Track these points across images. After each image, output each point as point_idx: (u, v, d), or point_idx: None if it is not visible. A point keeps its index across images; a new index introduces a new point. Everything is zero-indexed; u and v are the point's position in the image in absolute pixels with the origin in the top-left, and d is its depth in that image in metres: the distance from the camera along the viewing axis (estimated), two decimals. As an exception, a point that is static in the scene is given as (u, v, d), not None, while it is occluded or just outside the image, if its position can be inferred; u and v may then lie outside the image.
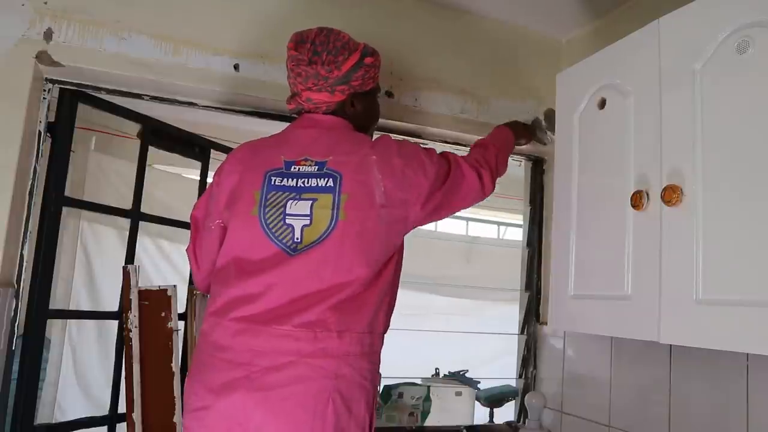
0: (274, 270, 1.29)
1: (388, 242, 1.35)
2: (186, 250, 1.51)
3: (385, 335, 1.39)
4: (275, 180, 1.35)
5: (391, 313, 1.40)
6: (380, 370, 1.37)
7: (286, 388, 1.21)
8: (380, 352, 1.36)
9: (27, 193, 1.56)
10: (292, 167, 1.36)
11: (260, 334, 1.25)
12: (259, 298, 1.28)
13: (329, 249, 1.29)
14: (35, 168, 1.57)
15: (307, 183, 1.33)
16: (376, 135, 1.66)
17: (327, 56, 1.40)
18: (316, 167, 1.35)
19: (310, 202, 1.32)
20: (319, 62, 1.39)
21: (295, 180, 1.34)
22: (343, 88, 1.42)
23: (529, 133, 1.94)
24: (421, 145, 1.47)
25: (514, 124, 1.85)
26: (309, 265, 1.28)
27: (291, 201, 1.32)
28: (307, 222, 1.30)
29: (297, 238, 1.30)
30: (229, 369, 1.25)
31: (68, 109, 1.63)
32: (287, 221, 1.31)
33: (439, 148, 2.02)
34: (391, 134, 1.89)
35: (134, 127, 1.83)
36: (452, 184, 1.44)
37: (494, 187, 1.55)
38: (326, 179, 1.33)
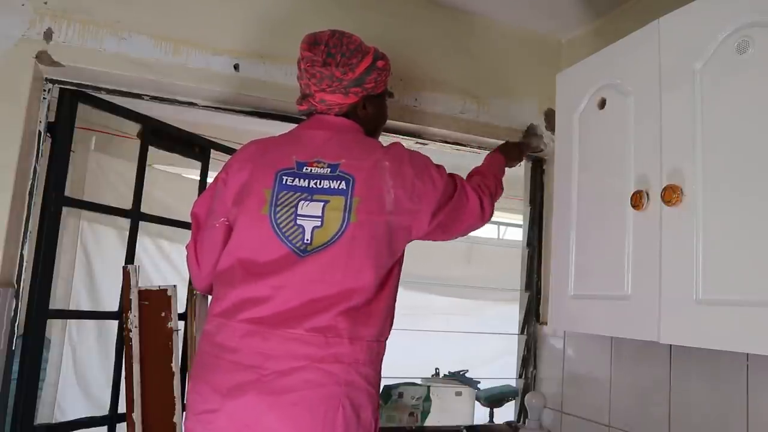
0: (283, 272, 1.28)
1: (393, 250, 1.35)
2: (186, 247, 1.50)
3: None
4: (287, 180, 1.35)
5: (393, 320, 1.40)
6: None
7: (297, 392, 1.21)
8: (383, 359, 1.37)
9: (27, 193, 1.56)
10: (305, 168, 1.35)
11: (270, 338, 1.25)
12: (268, 300, 1.27)
13: (339, 252, 1.28)
14: (35, 168, 1.57)
15: (320, 184, 1.33)
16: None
17: (341, 58, 1.40)
18: (329, 169, 1.34)
19: (322, 203, 1.31)
20: (334, 64, 1.39)
21: (307, 181, 1.34)
22: (357, 90, 1.42)
23: (520, 151, 1.89)
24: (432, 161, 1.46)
25: (505, 147, 1.81)
26: (319, 268, 1.28)
27: (303, 201, 1.32)
28: (318, 223, 1.30)
29: (307, 240, 1.30)
30: (237, 371, 1.24)
31: (68, 109, 1.63)
32: (298, 222, 1.31)
33: (440, 148, 2.04)
34: (390, 134, 1.90)
35: (134, 127, 1.83)
36: (457, 205, 1.44)
37: (493, 213, 1.55)
38: (339, 182, 1.33)
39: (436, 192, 1.38)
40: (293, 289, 1.27)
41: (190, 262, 1.49)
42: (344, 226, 1.29)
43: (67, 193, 1.64)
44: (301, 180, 1.34)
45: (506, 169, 1.75)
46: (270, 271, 1.29)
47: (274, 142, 1.45)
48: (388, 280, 1.35)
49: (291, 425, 1.20)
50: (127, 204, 1.82)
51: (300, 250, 1.30)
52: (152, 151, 1.85)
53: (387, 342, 1.38)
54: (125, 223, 1.82)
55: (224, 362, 1.26)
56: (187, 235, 1.53)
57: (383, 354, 1.36)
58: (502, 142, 1.96)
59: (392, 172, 1.35)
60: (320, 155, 1.37)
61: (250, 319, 1.27)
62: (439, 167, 1.44)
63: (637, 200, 1.24)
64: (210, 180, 1.67)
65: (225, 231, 1.38)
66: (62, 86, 1.62)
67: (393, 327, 1.40)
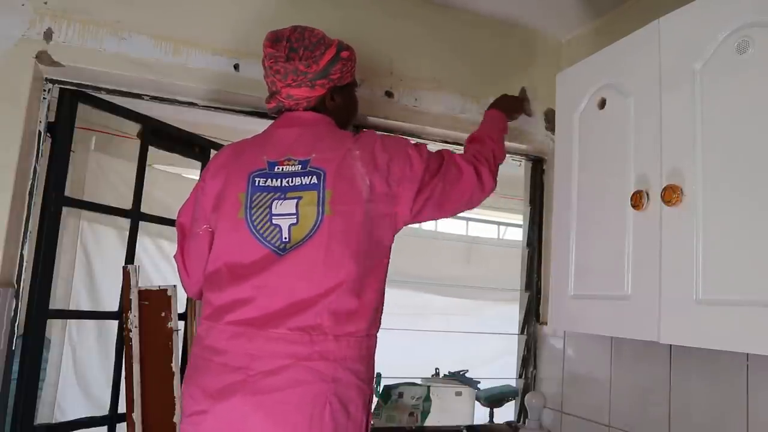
0: (264, 272, 1.29)
1: (377, 239, 1.34)
2: (174, 257, 1.51)
3: (379, 335, 1.39)
4: (259, 181, 1.35)
5: (382, 314, 1.40)
6: (379, 370, 1.37)
7: (283, 391, 1.21)
8: (375, 353, 1.37)
9: (27, 193, 1.56)
10: (276, 167, 1.36)
11: (256, 338, 1.25)
12: (252, 301, 1.28)
13: (317, 246, 1.29)
14: (35, 168, 1.57)
15: (292, 182, 1.33)
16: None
17: (304, 52, 1.40)
18: (300, 166, 1.35)
19: (296, 200, 1.31)
20: (297, 58, 1.40)
21: (279, 180, 1.34)
22: (323, 82, 1.42)
23: (518, 105, 1.92)
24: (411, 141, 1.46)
25: (503, 101, 1.82)
26: (299, 264, 1.28)
27: (276, 201, 1.32)
28: (294, 221, 1.30)
29: (285, 238, 1.30)
30: (225, 373, 1.24)
31: (68, 109, 1.63)
32: (274, 221, 1.31)
33: (439, 148, 2.04)
34: (390, 134, 1.89)
35: (134, 127, 1.83)
36: (446, 180, 1.42)
37: (495, 183, 1.53)
38: (310, 177, 1.33)
39: (414, 172, 1.37)
40: (275, 288, 1.28)
41: (179, 271, 1.51)
42: (319, 219, 1.30)
43: (67, 193, 1.65)
44: (274, 180, 1.35)
45: (508, 133, 1.73)
46: (252, 272, 1.29)
47: (247, 145, 1.45)
48: (374, 273, 1.34)
49: (278, 424, 1.20)
50: (127, 204, 1.83)
51: (279, 249, 1.30)
52: (152, 151, 1.85)
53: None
54: (125, 223, 1.83)
55: (213, 364, 1.27)
56: (187, 235, 1.53)
57: (374, 348, 1.36)
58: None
59: (364, 160, 1.34)
60: (291, 153, 1.37)
61: (236, 321, 1.27)
62: (419, 146, 1.43)
63: (637, 200, 1.24)
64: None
65: (209, 237, 1.39)
66: (62, 86, 1.62)
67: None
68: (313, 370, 1.23)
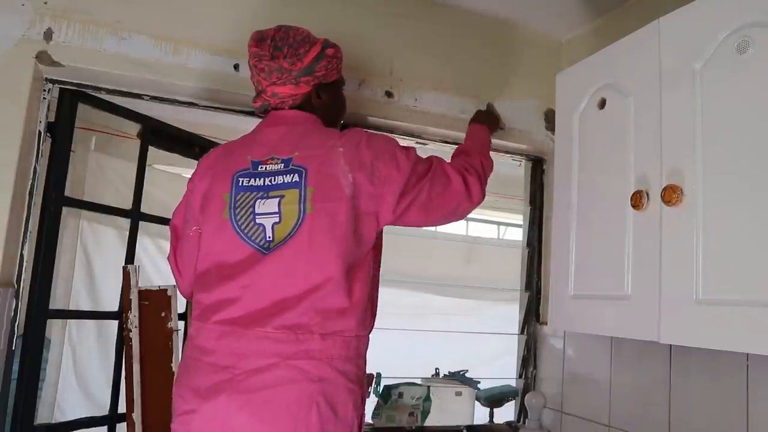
0: (249, 271, 1.29)
1: (360, 236, 1.32)
2: (167, 258, 1.52)
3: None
4: (243, 181, 1.35)
5: (376, 312, 1.39)
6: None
7: (268, 390, 1.21)
8: (366, 354, 1.36)
9: (27, 193, 1.56)
10: (259, 167, 1.36)
11: (242, 337, 1.25)
12: (238, 301, 1.28)
13: (300, 244, 1.28)
14: (35, 168, 1.57)
15: (274, 181, 1.33)
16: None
17: (288, 50, 1.40)
18: (282, 164, 1.34)
19: (278, 199, 1.31)
20: (281, 56, 1.40)
21: (262, 179, 1.34)
22: (308, 79, 1.42)
23: (496, 117, 1.94)
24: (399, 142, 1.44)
25: (480, 115, 1.83)
26: (283, 262, 1.28)
27: (259, 200, 1.32)
28: (277, 219, 1.30)
29: (269, 237, 1.30)
30: (213, 372, 1.25)
31: (68, 109, 1.63)
32: (257, 221, 1.31)
33: (440, 148, 2.04)
34: (391, 134, 1.90)
35: (134, 127, 1.83)
36: (433, 185, 1.39)
37: (484, 194, 1.49)
38: (292, 175, 1.32)
39: (401, 173, 1.34)
40: (260, 287, 1.27)
41: (173, 272, 1.51)
42: (301, 217, 1.29)
43: (67, 193, 1.65)
44: (257, 179, 1.34)
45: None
46: (238, 272, 1.30)
47: (234, 146, 1.46)
48: (362, 270, 1.32)
49: (263, 422, 1.20)
50: (127, 204, 1.83)
51: (263, 248, 1.30)
52: (152, 151, 1.85)
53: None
54: (125, 223, 1.82)
55: (203, 364, 1.27)
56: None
57: (365, 350, 1.35)
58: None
59: (348, 157, 1.32)
60: (275, 152, 1.37)
61: (224, 320, 1.28)
62: (407, 148, 1.41)
63: (637, 200, 1.24)
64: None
65: (199, 238, 1.40)
66: (62, 86, 1.62)
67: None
68: (299, 369, 1.22)
